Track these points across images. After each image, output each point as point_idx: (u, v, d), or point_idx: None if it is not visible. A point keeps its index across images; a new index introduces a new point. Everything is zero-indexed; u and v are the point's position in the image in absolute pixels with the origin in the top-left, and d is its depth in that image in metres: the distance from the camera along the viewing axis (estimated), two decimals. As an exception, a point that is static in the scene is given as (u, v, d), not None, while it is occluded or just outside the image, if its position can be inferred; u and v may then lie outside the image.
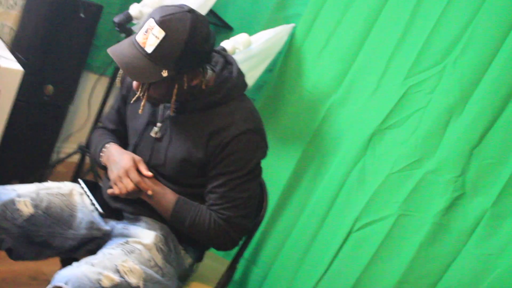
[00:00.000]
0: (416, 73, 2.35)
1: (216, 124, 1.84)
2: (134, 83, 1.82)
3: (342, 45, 2.61)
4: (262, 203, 2.15)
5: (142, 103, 1.84)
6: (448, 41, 2.28)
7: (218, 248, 1.95)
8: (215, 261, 2.30)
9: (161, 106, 1.94)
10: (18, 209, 1.85)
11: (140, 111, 1.87)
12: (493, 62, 2.16)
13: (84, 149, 3.01)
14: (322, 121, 2.63)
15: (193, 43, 1.71)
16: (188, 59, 1.72)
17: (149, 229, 1.91)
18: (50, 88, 2.94)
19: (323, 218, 2.56)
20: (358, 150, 2.47)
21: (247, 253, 2.73)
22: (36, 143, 3.10)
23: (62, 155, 3.45)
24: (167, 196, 1.89)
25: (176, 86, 1.77)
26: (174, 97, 1.79)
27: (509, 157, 2.11)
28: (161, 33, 1.67)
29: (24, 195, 1.89)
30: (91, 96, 3.10)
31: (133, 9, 2.59)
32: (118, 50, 1.74)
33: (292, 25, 2.82)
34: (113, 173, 1.91)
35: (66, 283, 1.58)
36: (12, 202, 1.86)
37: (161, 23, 1.68)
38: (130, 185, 1.86)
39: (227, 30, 3.18)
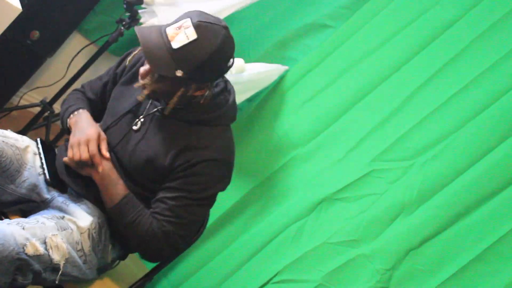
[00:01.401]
0: (384, 159, 2.40)
1: (193, 140, 1.84)
2: (142, 70, 1.81)
3: (325, 105, 2.65)
4: (200, 228, 2.15)
5: (145, 91, 1.82)
6: (424, 143, 2.33)
7: (144, 255, 1.94)
8: (135, 264, 2.28)
9: (148, 101, 1.93)
10: None
11: (140, 97, 1.84)
12: (457, 179, 2.23)
13: (46, 105, 2.96)
14: (280, 168, 2.66)
15: (217, 58, 1.72)
16: (205, 70, 1.73)
17: (88, 213, 1.88)
18: (36, 34, 2.87)
19: (246, 258, 2.57)
20: (303, 209, 2.50)
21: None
22: (1, 81, 3.03)
23: (23, 102, 3.39)
24: (118, 187, 1.88)
25: (182, 90, 1.77)
26: (175, 99, 1.79)
27: (439, 271, 2.16)
28: (193, 35, 1.69)
29: None
30: (73, 59, 3.04)
31: (147, -6, 2.59)
32: (146, 33, 1.74)
33: (286, 67, 2.85)
34: (74, 137, 1.90)
35: None
36: None
37: (197, 27, 1.69)
38: (85, 154, 1.85)
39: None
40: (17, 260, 1.59)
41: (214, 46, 1.71)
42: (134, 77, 1.97)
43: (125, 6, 2.62)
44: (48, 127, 3.07)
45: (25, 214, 1.94)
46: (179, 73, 1.71)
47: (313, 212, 2.49)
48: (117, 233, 1.95)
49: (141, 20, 2.69)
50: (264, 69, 2.79)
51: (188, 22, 1.70)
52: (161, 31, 1.73)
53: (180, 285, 2.69)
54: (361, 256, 2.31)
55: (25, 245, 1.61)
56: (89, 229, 1.84)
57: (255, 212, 2.65)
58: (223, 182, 1.93)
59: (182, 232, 1.87)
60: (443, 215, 2.21)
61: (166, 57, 1.70)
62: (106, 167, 1.87)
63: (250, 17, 3.11)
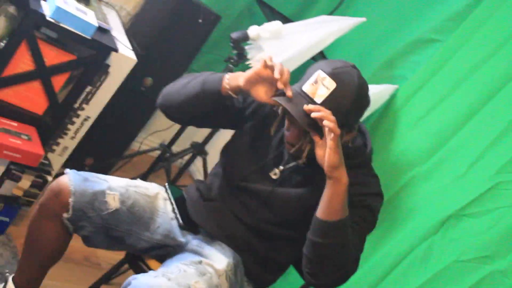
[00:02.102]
0: (509, 171, 2.31)
1: (351, 178, 1.76)
2: (291, 136, 1.84)
3: (441, 120, 2.59)
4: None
5: (303, 156, 1.84)
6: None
7: (336, 279, 1.83)
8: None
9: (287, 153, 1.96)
10: (106, 202, 1.90)
11: (301, 160, 1.86)
12: None
13: (165, 147, 3.07)
14: (400, 188, 2.62)
15: (361, 98, 1.75)
16: (353, 114, 1.76)
17: (223, 254, 1.93)
18: (149, 80, 3.01)
19: (376, 282, 2.55)
20: (429, 228, 2.45)
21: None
22: (120, 129, 3.19)
23: (143, 147, 3.54)
24: (346, 205, 1.73)
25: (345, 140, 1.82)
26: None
27: None
28: (332, 85, 1.70)
29: (114, 188, 1.94)
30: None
31: (252, 30, 2.65)
32: (286, 101, 1.73)
33: (396, 86, 2.83)
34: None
35: None
36: (102, 193, 1.90)
37: (333, 75, 1.70)
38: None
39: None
40: None
41: (355, 87, 1.72)
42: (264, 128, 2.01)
43: (232, 44, 2.70)
44: (168, 169, 3.19)
45: (161, 258, 2.02)
46: None
47: (440, 231, 2.43)
48: (249, 271, 1.99)
49: (248, 56, 2.75)
50: (374, 91, 2.76)
51: (322, 74, 1.71)
52: (298, 93, 1.75)
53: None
54: (496, 272, 2.22)
55: None
56: (226, 271, 1.88)
57: (380, 235, 2.62)
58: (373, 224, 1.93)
59: (359, 253, 1.88)
60: None
61: None
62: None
63: (354, 40, 3.12)
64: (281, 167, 1.97)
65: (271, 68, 1.77)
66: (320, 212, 1.72)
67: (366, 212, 1.87)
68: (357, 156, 1.91)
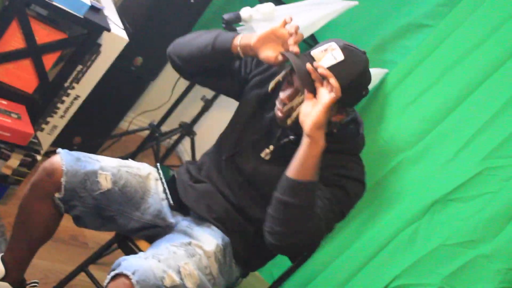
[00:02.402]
0: (496, 156, 2.33)
1: (336, 162, 1.88)
2: (284, 95, 1.86)
3: (430, 106, 2.60)
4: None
5: (290, 120, 1.87)
6: (538, 136, 2.27)
7: (301, 242, 1.82)
8: (256, 280, 2.32)
9: (279, 130, 1.97)
10: (98, 182, 1.91)
11: (289, 121, 1.88)
12: None
13: (154, 128, 3.07)
14: (389, 172, 2.64)
15: (360, 81, 1.79)
16: (349, 93, 1.77)
17: (212, 235, 1.95)
18: (139, 59, 3.01)
19: (362, 264, 2.57)
20: (416, 212, 2.47)
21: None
22: (109, 108, 3.18)
23: (132, 127, 3.53)
24: (317, 169, 1.75)
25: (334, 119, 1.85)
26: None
27: None
28: (340, 57, 1.74)
29: (106, 169, 1.95)
30: (177, 82, 3.15)
31: (244, 12, 2.64)
32: (293, 56, 1.79)
33: (385, 70, 2.83)
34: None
35: (133, 273, 1.63)
36: (94, 173, 1.91)
37: (344, 48, 1.75)
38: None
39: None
40: None
41: (359, 68, 1.77)
42: (267, 99, 2.03)
43: (224, 25, 2.68)
44: (157, 148, 3.20)
45: (150, 239, 2.03)
46: None
47: (427, 215, 2.45)
48: (237, 252, 2.01)
49: (240, 38, 2.74)
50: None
51: (333, 45, 1.76)
52: (304, 55, 1.79)
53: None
54: (481, 256, 2.26)
55: (163, 278, 1.67)
56: (215, 252, 1.90)
57: (367, 218, 2.65)
58: (351, 206, 1.99)
59: (332, 224, 1.91)
60: None
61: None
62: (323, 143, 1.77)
63: (345, 24, 3.10)
64: (272, 147, 1.98)
65: (290, 29, 1.82)
66: (291, 172, 1.74)
67: (339, 193, 1.89)
68: (346, 141, 1.93)
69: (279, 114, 1.89)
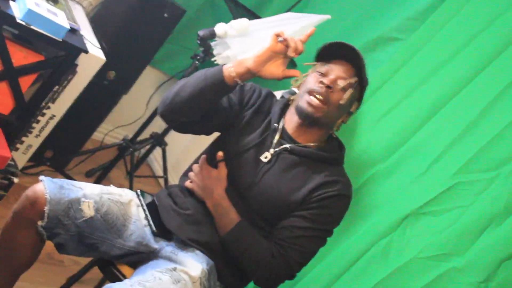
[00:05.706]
0: (468, 171, 2.38)
1: (326, 176, 1.98)
2: (335, 75, 2.03)
3: (402, 120, 2.64)
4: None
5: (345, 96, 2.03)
6: (508, 152, 2.31)
7: (259, 280, 2.00)
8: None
9: (276, 136, 2.01)
10: (81, 210, 1.90)
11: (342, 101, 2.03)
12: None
13: (128, 143, 3.06)
14: (361, 185, 2.67)
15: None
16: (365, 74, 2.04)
17: (197, 260, 1.95)
18: (112, 73, 2.99)
19: (335, 278, 2.59)
20: (389, 225, 2.50)
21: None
22: (81, 121, 3.16)
23: (109, 139, 3.51)
24: (231, 214, 1.98)
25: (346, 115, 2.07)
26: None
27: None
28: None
29: (89, 196, 1.94)
30: (152, 96, 3.14)
31: (219, 28, 2.66)
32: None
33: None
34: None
35: None
36: (77, 201, 1.90)
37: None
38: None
39: (291, 65, 3.23)
40: None
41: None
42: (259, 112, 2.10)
43: (198, 42, 2.70)
44: (132, 162, 3.19)
45: (133, 264, 2.03)
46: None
47: (399, 228, 2.48)
48: (223, 276, 2.03)
49: (214, 52, 2.76)
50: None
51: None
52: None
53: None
54: (453, 269, 2.30)
55: None
56: (200, 278, 1.91)
57: (340, 231, 2.63)
58: (342, 219, 2.04)
59: (302, 260, 1.96)
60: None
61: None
62: (218, 196, 1.97)
63: (316, 37, 3.10)
64: (272, 150, 2.03)
65: (284, 42, 1.85)
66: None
67: (324, 212, 1.99)
68: (334, 151, 2.04)
69: (315, 101, 1.98)
